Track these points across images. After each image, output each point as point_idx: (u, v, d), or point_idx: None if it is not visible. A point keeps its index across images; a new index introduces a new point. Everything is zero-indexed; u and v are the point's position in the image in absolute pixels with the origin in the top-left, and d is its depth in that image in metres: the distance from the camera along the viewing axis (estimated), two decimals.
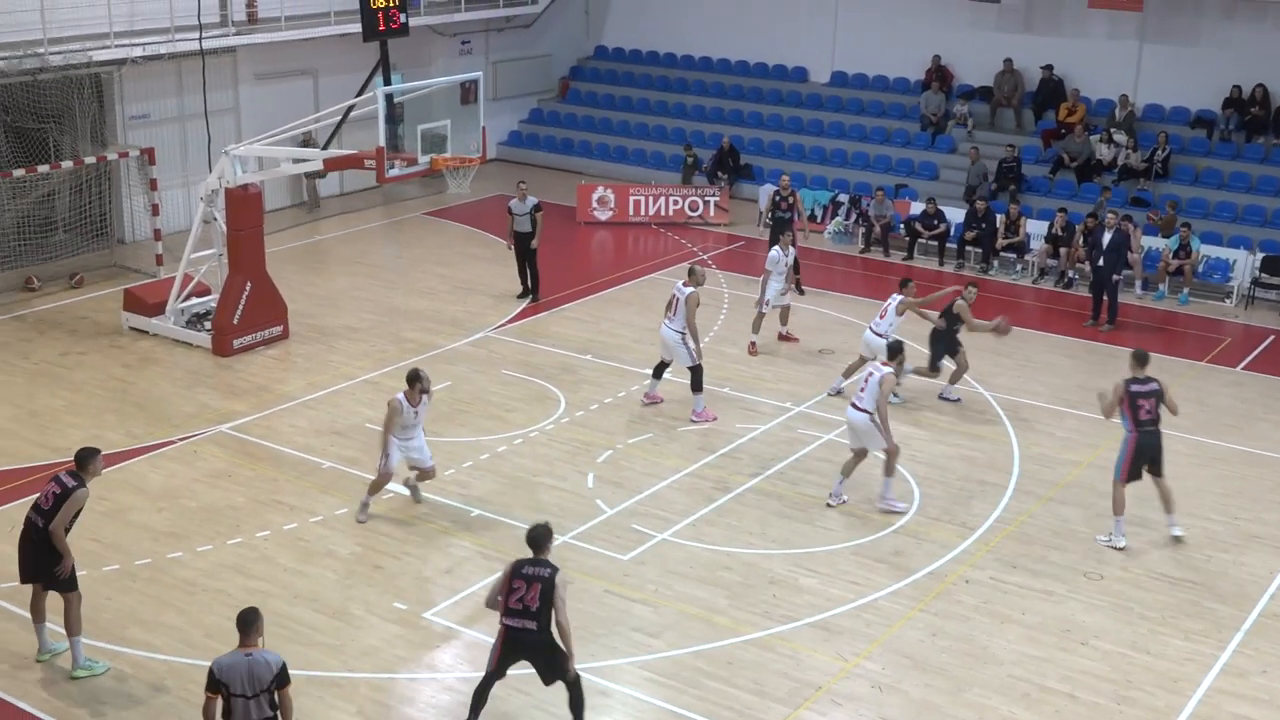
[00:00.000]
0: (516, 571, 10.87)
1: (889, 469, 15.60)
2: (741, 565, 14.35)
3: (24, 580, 12.15)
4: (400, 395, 14.86)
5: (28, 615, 12.47)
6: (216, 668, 9.74)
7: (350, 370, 19.49)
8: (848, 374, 18.82)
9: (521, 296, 22.70)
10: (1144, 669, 12.71)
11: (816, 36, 32.09)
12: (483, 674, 11.32)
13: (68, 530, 11.89)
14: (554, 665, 11.02)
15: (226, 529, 14.82)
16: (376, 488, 15.17)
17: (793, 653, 12.78)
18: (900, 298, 18.64)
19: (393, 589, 13.68)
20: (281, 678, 9.80)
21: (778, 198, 24.28)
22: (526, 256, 22.63)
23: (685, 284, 17.93)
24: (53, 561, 11.86)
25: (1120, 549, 14.90)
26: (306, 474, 16.22)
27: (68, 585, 11.96)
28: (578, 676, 11.11)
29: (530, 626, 10.81)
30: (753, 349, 20.62)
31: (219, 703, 9.73)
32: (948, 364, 18.96)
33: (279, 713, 9.85)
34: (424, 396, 14.91)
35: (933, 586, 14.03)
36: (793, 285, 21.47)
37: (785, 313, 21.00)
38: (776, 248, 20.56)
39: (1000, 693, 12.26)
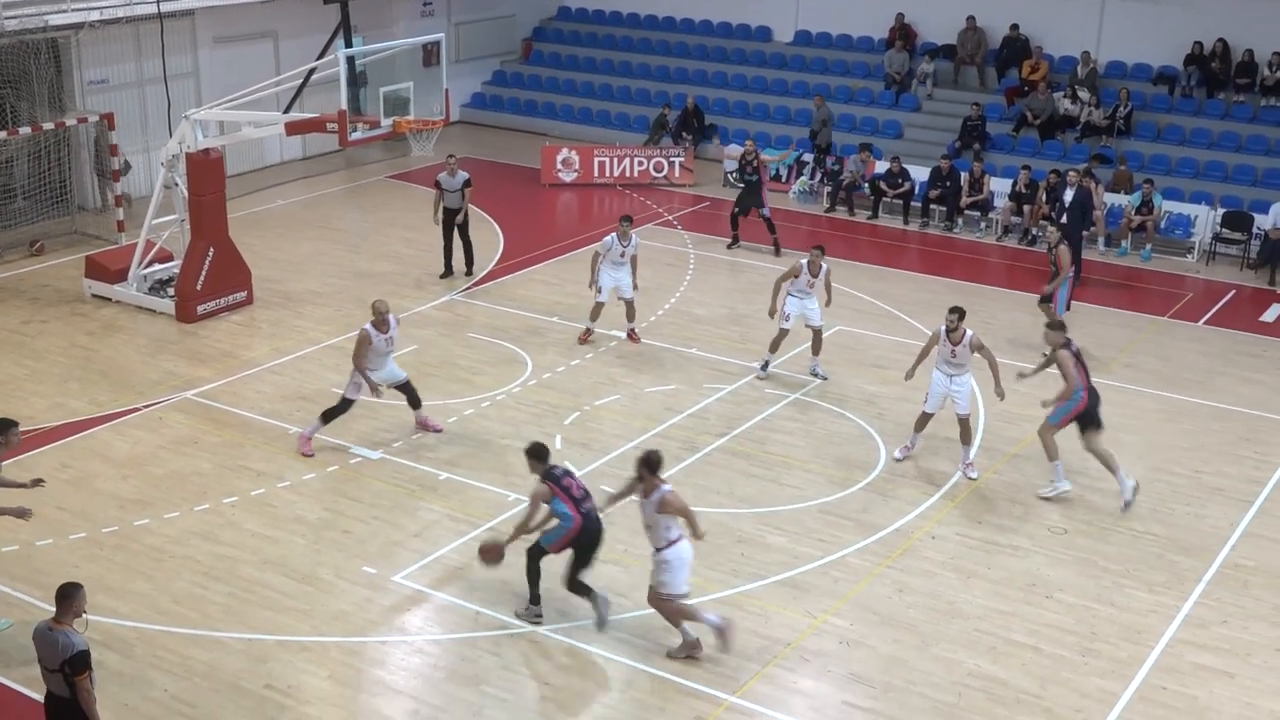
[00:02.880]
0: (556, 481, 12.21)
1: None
2: (710, 524, 14.33)
3: None
4: (368, 325, 15.41)
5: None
6: (33, 634, 9.63)
7: (316, 335, 19.42)
8: (773, 348, 18.27)
9: (444, 276, 21.77)
10: (1108, 621, 12.87)
11: None
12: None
13: None
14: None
15: (193, 495, 14.77)
16: (331, 416, 15.66)
17: (761, 610, 12.87)
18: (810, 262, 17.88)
19: (362, 553, 13.69)
20: (73, 663, 9.36)
21: (743, 161, 24.18)
22: (457, 232, 21.73)
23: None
24: None
25: (1066, 491, 15.09)
26: (273, 439, 16.17)
27: None
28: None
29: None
30: (585, 336, 19.23)
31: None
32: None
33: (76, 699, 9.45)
34: (391, 321, 15.47)
35: (899, 543, 14.14)
36: (633, 277, 19.15)
37: (630, 308, 19.39)
38: (612, 234, 18.94)
39: (967, 647, 12.39)
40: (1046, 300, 19.60)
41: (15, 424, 12.08)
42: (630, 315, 19.37)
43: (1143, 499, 15.17)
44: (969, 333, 15.55)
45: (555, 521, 12.25)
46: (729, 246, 23.79)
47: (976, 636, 12.56)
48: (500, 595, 12.98)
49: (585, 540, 12.26)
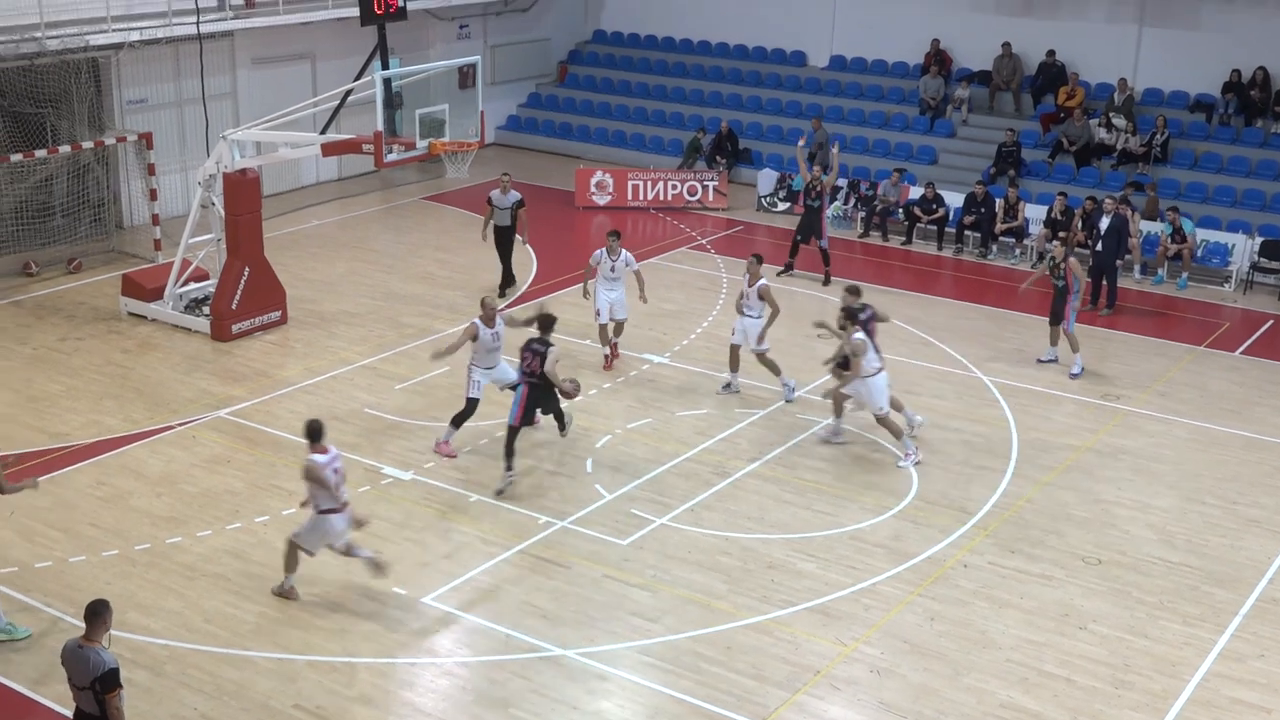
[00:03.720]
0: (526, 346, 15.40)
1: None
2: (740, 550, 14.38)
3: None
4: (477, 320, 16.09)
5: (27, 598, 12.52)
6: (62, 652, 9.70)
7: (349, 355, 19.49)
8: (733, 366, 18.40)
9: (505, 288, 22.07)
10: (1142, 653, 12.74)
11: (815, 20, 32.03)
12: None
13: None
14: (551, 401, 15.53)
15: (225, 514, 14.83)
16: (461, 419, 16.32)
17: (791, 637, 12.81)
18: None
19: (392, 574, 13.68)
20: (103, 681, 9.41)
21: (808, 188, 23.56)
22: (506, 249, 22.07)
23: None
24: None
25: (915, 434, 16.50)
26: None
27: None
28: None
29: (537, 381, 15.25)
30: (609, 363, 19.21)
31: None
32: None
33: (106, 716, 9.48)
34: (499, 319, 16.22)
35: (931, 571, 14.06)
36: (640, 294, 19.14)
37: (619, 327, 19.34)
38: (601, 249, 19.03)
39: (999, 677, 12.29)
40: (1058, 321, 19.46)
41: None
42: (617, 332, 19.33)
43: (1177, 530, 15.05)
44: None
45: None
46: (780, 274, 23.55)
47: (1008, 667, 12.46)
48: (530, 618, 12.97)
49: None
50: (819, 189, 23.35)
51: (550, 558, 14.08)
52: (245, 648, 12.39)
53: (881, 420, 16.44)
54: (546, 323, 15.73)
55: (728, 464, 16.31)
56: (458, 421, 16.37)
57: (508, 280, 22.26)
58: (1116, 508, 15.51)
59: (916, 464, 16.34)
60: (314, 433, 12.70)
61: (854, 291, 17.09)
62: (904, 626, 13.04)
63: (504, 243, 22.06)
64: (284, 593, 13.20)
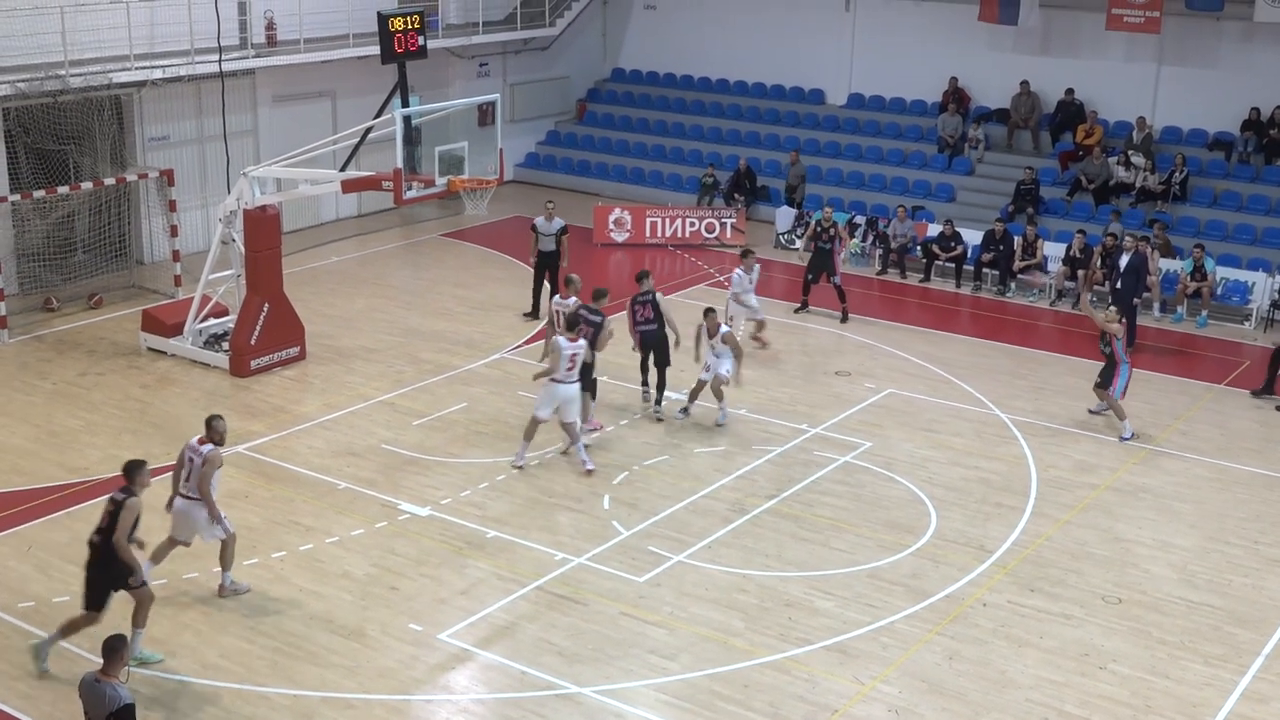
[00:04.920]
0: (634, 300, 18.29)
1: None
2: (757, 587, 14.31)
3: (93, 607, 12.28)
4: (560, 338, 16.79)
5: (44, 634, 12.50)
6: (79, 686, 9.72)
7: (367, 391, 19.52)
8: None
9: (530, 316, 22.68)
10: (1163, 694, 12.63)
11: (833, 58, 32.15)
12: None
13: (130, 539, 12.20)
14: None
15: (242, 549, 14.77)
16: (530, 433, 17.09)
17: (809, 675, 12.73)
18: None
19: (408, 610, 13.66)
20: (119, 716, 9.46)
21: (819, 228, 23.64)
22: (550, 276, 22.58)
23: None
24: (124, 574, 12.18)
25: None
26: (323, 495, 16.23)
27: (140, 587, 12.38)
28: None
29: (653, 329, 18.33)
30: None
31: None
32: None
33: None
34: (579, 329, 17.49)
35: (950, 610, 13.97)
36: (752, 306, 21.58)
37: (759, 324, 21.68)
38: (739, 268, 21.25)
39: (1018, 717, 12.18)
40: (1106, 385, 18.68)
41: (144, 463, 12.62)
42: (760, 328, 21.94)
43: (1198, 569, 14.95)
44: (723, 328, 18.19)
45: None
46: (796, 311, 23.65)
47: (1028, 707, 12.35)
48: (547, 655, 12.92)
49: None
50: (833, 231, 23.41)
51: (567, 594, 14.04)
52: (260, 684, 12.36)
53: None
54: (599, 293, 17.97)
55: (745, 501, 16.26)
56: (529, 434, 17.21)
57: (534, 311, 22.70)
58: (1137, 546, 15.42)
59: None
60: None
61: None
62: (923, 665, 12.95)
63: (549, 267, 22.66)
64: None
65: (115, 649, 9.60)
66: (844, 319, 23.27)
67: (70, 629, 12.39)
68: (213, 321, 20.98)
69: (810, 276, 23.78)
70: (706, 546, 15.13)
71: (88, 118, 23.41)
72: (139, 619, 12.46)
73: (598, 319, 17.74)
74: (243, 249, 20.28)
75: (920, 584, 14.47)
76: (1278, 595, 14.50)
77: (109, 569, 12.18)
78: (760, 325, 21.83)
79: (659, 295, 18.83)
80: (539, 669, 12.69)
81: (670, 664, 12.81)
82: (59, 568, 14.28)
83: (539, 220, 22.78)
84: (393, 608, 13.73)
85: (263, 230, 20.10)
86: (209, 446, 13.35)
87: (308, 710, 11.99)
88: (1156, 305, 24.16)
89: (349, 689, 12.33)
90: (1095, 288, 24.08)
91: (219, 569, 13.85)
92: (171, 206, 23.90)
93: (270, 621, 13.40)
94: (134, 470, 12.38)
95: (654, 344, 18.72)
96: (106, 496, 12.49)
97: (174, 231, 23.85)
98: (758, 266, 21.56)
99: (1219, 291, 24.18)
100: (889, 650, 13.19)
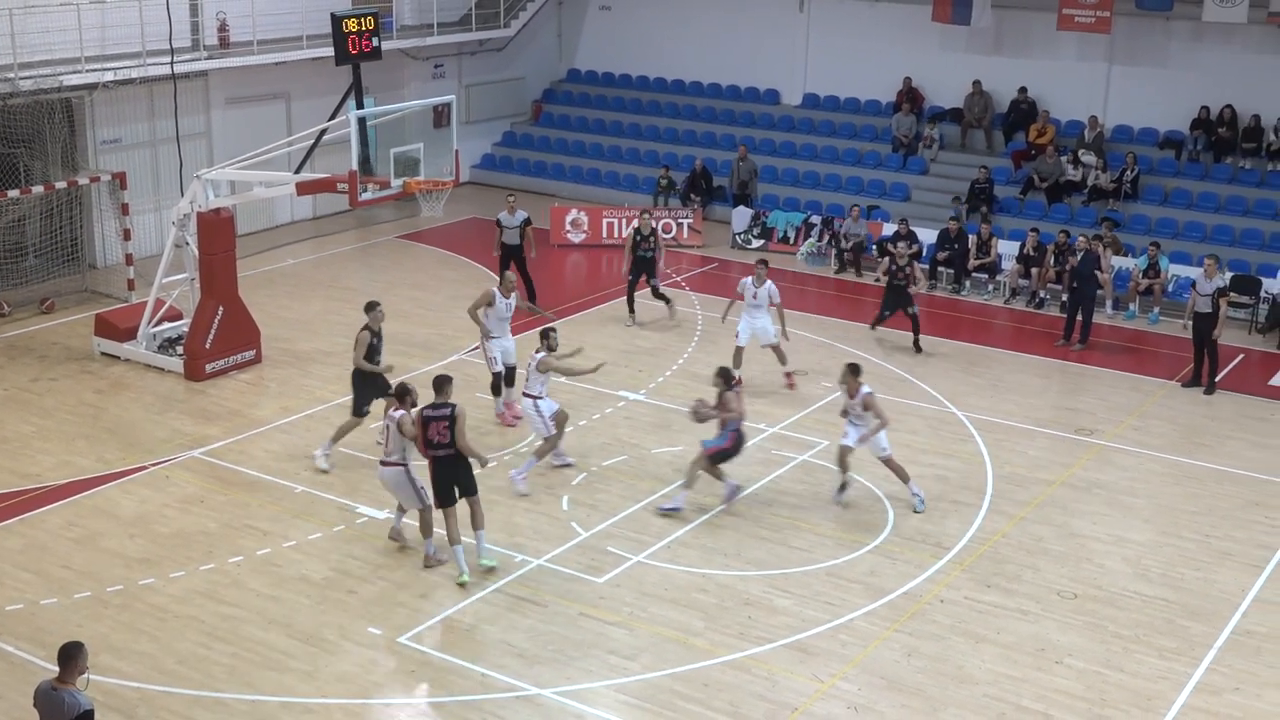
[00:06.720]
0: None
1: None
2: (717, 587, 14.35)
3: (445, 504, 14.13)
4: (493, 288, 18.02)
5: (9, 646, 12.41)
6: (35, 694, 9.60)
7: (324, 394, 19.43)
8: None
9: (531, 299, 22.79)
10: (1118, 687, 12.75)
11: (788, 58, 32.26)
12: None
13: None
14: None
15: (199, 555, 14.73)
16: (496, 389, 18.37)
17: (769, 674, 12.77)
18: (541, 356, 16.73)
19: (367, 614, 13.62)
20: None
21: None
22: (516, 267, 22.74)
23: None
24: (470, 470, 14.21)
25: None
26: (280, 498, 16.15)
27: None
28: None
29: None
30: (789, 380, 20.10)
31: None
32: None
33: None
34: (513, 294, 18.21)
35: (908, 607, 14.05)
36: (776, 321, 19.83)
37: (776, 350, 20.00)
38: (749, 277, 19.83)
39: (976, 712, 12.28)
40: None
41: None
42: (780, 359, 20.21)
43: (1152, 563, 15.11)
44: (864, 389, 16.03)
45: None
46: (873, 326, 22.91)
47: (986, 702, 12.45)
48: (506, 657, 12.91)
49: None
50: (909, 271, 22.04)
51: (526, 596, 14.03)
52: (218, 690, 12.29)
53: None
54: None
55: (704, 501, 16.29)
56: (495, 390, 18.40)
57: (532, 294, 22.99)
58: (1091, 542, 15.56)
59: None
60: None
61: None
62: (881, 662, 13.02)
63: (515, 260, 22.99)
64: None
65: (71, 655, 9.51)
66: (917, 348, 21.90)
67: (426, 529, 14.41)
68: (167, 325, 20.83)
69: (887, 313, 22.34)
70: (666, 546, 15.16)
71: (38, 121, 23.18)
72: (479, 520, 14.27)
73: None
74: (197, 252, 20.14)
75: (878, 581, 14.55)
76: (1229, 588, 14.68)
77: (460, 470, 14.06)
78: (781, 356, 20.09)
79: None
80: (499, 671, 12.68)
81: (630, 664, 12.83)
82: (12, 575, 14.15)
83: (502, 215, 23.09)
84: (351, 611, 13.68)
85: (217, 233, 19.97)
86: (400, 412, 14.33)
87: (266, 716, 11.93)
88: (1109, 302, 24.38)
89: (307, 694, 12.27)
90: (1049, 285, 24.29)
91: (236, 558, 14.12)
92: (124, 210, 23.69)
93: (227, 627, 13.32)
94: (404, 392, 14.46)
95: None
96: (422, 419, 14.02)
97: (127, 235, 23.64)
98: (769, 283, 19.76)
99: (1170, 289, 24.42)
100: (848, 648, 13.26)
